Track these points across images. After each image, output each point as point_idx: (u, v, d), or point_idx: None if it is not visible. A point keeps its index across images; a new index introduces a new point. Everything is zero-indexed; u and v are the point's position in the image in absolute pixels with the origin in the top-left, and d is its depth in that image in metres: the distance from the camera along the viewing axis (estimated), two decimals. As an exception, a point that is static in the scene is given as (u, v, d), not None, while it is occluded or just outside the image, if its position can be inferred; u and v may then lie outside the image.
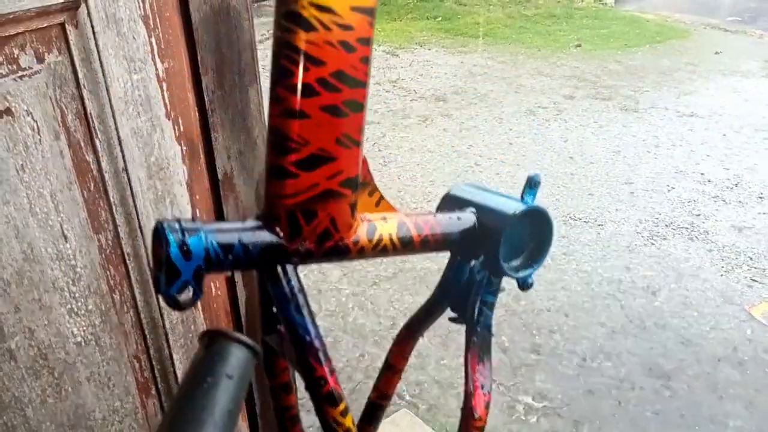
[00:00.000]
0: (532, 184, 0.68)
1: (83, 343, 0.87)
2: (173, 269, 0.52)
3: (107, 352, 0.90)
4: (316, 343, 0.61)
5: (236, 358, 0.37)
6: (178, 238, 0.53)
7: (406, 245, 0.63)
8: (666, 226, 2.86)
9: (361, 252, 0.62)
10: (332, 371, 0.61)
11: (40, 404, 0.83)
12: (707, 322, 2.24)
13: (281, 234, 0.60)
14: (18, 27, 0.69)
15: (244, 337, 0.38)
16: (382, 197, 0.61)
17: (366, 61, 0.52)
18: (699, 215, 2.95)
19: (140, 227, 0.88)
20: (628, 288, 2.43)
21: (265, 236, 0.61)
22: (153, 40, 0.81)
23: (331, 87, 0.52)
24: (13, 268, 0.76)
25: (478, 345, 0.74)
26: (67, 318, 0.84)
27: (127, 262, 0.89)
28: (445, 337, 2.12)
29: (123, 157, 0.83)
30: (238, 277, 1.02)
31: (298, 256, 0.60)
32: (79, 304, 0.85)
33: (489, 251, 0.68)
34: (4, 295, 0.76)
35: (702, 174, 3.34)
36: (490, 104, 4.36)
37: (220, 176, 0.94)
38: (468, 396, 0.74)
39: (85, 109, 0.78)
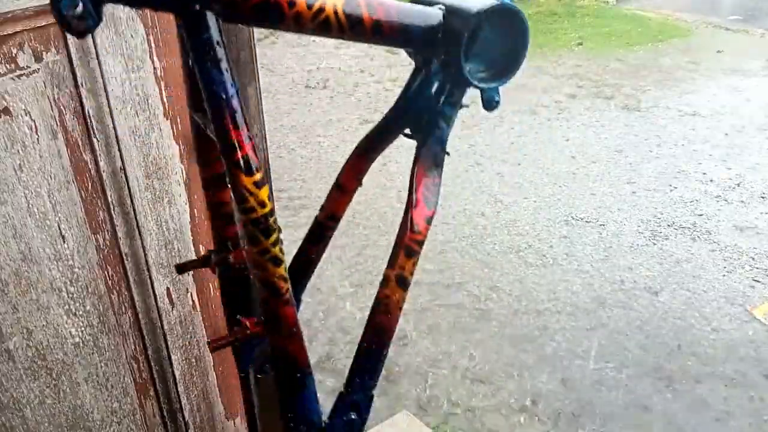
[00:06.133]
0: None
1: (81, 344, 0.87)
2: None
3: (105, 353, 0.90)
4: (233, 103, 0.56)
5: None
6: None
7: (353, 25, 0.58)
8: (668, 226, 2.85)
9: (298, 20, 0.57)
10: (250, 138, 0.57)
11: (38, 405, 0.83)
12: (709, 323, 2.23)
13: None
14: (16, 26, 0.69)
15: None
16: None
17: None
18: (701, 215, 2.94)
19: (138, 227, 0.88)
20: (629, 288, 2.42)
21: None
22: (151, 38, 0.81)
23: None
24: (11, 268, 0.76)
25: (429, 158, 0.70)
26: (65, 318, 0.84)
27: (125, 262, 0.88)
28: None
29: (121, 156, 0.83)
30: (237, 277, 1.02)
31: (219, 4, 0.54)
32: (77, 304, 0.84)
33: (451, 53, 0.63)
34: (1, 295, 0.76)
35: (704, 173, 3.33)
36: (491, 103, 4.35)
37: (219, 176, 0.94)
38: (409, 208, 0.69)
39: (83, 108, 0.78)
